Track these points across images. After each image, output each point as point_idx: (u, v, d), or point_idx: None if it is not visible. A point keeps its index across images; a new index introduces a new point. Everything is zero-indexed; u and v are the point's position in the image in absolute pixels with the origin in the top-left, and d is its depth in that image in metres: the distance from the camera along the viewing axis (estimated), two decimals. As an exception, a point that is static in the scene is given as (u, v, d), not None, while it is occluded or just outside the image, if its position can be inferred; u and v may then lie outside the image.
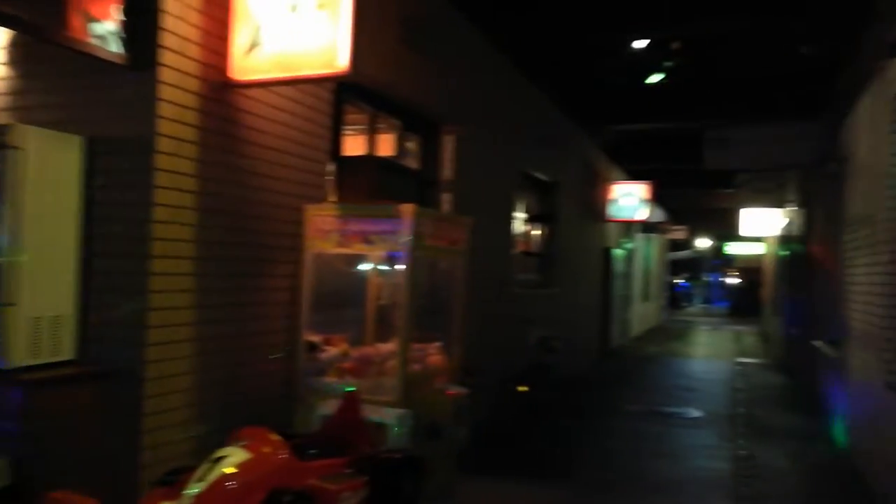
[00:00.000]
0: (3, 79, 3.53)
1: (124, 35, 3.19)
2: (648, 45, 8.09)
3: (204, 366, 3.59)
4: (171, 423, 3.40)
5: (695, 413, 8.46)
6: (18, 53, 3.51)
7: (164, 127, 3.24)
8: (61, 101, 3.38)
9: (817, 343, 8.38)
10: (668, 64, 8.73)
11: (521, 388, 7.37)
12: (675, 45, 8.45)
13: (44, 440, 3.06)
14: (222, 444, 3.03)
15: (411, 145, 6.17)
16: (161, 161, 3.24)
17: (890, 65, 5.29)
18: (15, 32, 3.45)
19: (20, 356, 3.11)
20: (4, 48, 3.54)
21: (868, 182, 6.23)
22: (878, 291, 5.51)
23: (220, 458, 2.94)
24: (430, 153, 6.28)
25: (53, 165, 3.22)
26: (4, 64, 3.54)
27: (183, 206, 3.39)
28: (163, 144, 3.24)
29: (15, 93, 3.51)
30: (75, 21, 3.10)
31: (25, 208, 3.10)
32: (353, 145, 5.43)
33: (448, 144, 6.37)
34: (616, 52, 8.41)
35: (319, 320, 4.48)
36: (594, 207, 12.72)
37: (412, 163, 6.14)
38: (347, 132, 5.27)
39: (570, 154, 11.07)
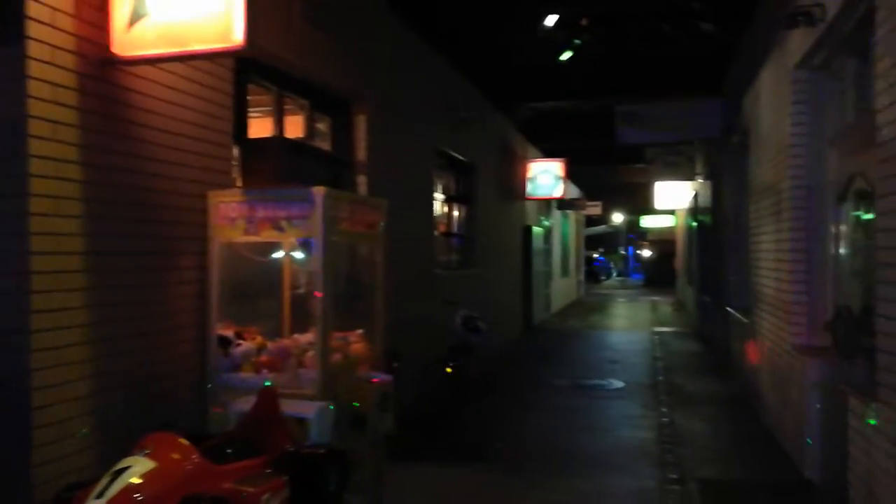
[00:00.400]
0: None
1: (-16, 5, 2.83)
2: (559, 22, 8.10)
3: (103, 369, 3.29)
4: (66, 435, 3.09)
5: (617, 384, 8.66)
6: None
7: (36, 108, 2.89)
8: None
9: (729, 309, 8.72)
10: (577, 42, 8.79)
11: (447, 370, 7.32)
12: (584, 22, 8.51)
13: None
14: (125, 454, 2.77)
15: (322, 126, 5.93)
16: (35, 146, 2.90)
17: (789, 36, 5.45)
18: None
19: None
20: None
21: (771, 152, 6.46)
22: (784, 258, 5.72)
23: (122, 470, 2.68)
24: (342, 134, 6.05)
25: None
26: None
27: (66, 196, 3.07)
28: (36, 128, 2.90)
29: None
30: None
31: None
32: (260, 127, 5.16)
33: (361, 125, 6.16)
34: (528, 30, 8.39)
35: (232, 313, 4.23)
36: (512, 186, 12.79)
37: (324, 144, 5.91)
38: (253, 114, 4.99)
39: (487, 133, 11.04)
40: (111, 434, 3.29)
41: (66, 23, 3.06)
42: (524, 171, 13.51)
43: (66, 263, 3.07)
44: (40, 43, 2.93)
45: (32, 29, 2.89)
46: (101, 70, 3.24)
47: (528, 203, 14.10)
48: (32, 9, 2.89)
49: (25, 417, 2.91)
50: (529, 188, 13.58)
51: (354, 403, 4.06)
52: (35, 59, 2.90)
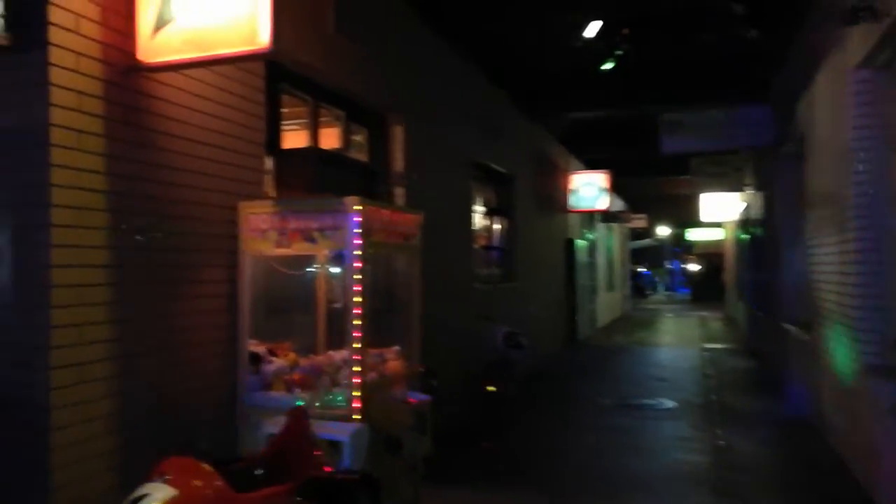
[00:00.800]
0: None
1: (6, 12, 2.75)
2: (598, 30, 7.87)
3: (128, 387, 3.17)
4: (88, 456, 2.96)
5: (668, 403, 8.26)
6: None
7: (58, 116, 2.80)
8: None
9: (787, 326, 8.26)
10: (618, 52, 8.56)
11: (489, 388, 7.07)
12: (624, 31, 8.27)
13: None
14: (143, 479, 2.61)
15: (358, 137, 5.80)
16: (57, 156, 2.80)
17: (848, 34, 5.11)
18: None
19: None
20: None
21: (830, 160, 6.07)
22: (849, 271, 5.33)
23: (140, 497, 2.53)
24: (378, 145, 5.92)
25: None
26: None
27: (89, 207, 2.96)
28: (58, 136, 2.80)
29: None
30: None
31: None
32: (295, 138, 5.05)
33: (397, 136, 6.01)
34: (566, 39, 8.18)
35: (263, 328, 4.08)
36: (554, 198, 12.52)
37: (360, 155, 5.77)
38: (287, 124, 4.89)
39: (526, 144, 10.82)
40: (136, 455, 3.14)
41: (91, 29, 2.97)
42: (566, 182, 13.22)
43: (88, 276, 2.95)
44: (63, 49, 2.84)
45: (55, 35, 2.81)
46: (127, 77, 3.15)
47: (570, 216, 13.79)
48: (55, 14, 2.81)
49: (43, 438, 2.79)
50: (572, 200, 13.28)
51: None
52: (58, 66, 2.82)
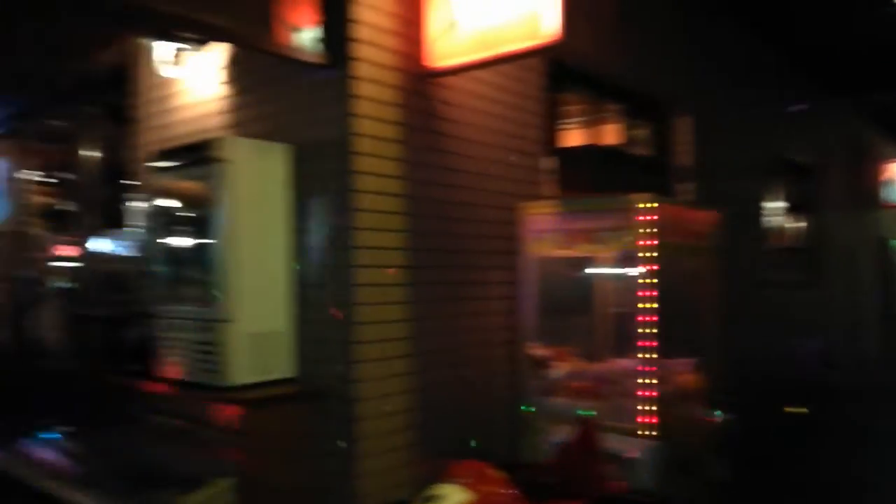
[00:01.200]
0: (224, 97, 3.58)
1: (323, 34, 3.02)
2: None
3: (419, 385, 3.27)
4: (387, 449, 3.11)
5: None
6: (235, 71, 3.54)
7: (361, 126, 2.98)
8: (270, 111, 3.31)
9: None
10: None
11: (795, 410, 6.18)
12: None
13: (262, 462, 2.93)
14: (435, 479, 2.64)
15: (640, 132, 5.46)
16: (360, 163, 2.98)
17: None
18: (230, 52, 3.50)
19: (239, 374, 3.03)
20: (223, 68, 3.59)
21: None
22: None
23: (435, 497, 2.55)
24: (662, 139, 5.52)
25: (262, 176, 3.13)
26: (224, 83, 3.58)
27: (387, 210, 3.12)
28: (361, 145, 2.98)
29: (233, 109, 3.52)
30: (279, 28, 3.00)
31: (238, 221, 3.02)
32: (573, 135, 4.90)
33: (682, 129, 5.55)
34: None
35: (543, 332, 3.98)
36: (865, 191, 10.71)
37: (641, 150, 5.43)
38: (565, 121, 4.75)
39: (832, 130, 9.40)
40: (426, 453, 3.22)
41: (387, 41, 3.12)
42: (882, 172, 11.23)
43: (386, 277, 3.10)
44: (365, 63, 3.02)
45: (356, 49, 2.99)
46: (417, 84, 3.25)
47: (887, 211, 11.69)
48: (360, 30, 3.00)
49: (351, 428, 2.97)
50: (889, 193, 11.25)
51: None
52: (361, 79, 3.00)
